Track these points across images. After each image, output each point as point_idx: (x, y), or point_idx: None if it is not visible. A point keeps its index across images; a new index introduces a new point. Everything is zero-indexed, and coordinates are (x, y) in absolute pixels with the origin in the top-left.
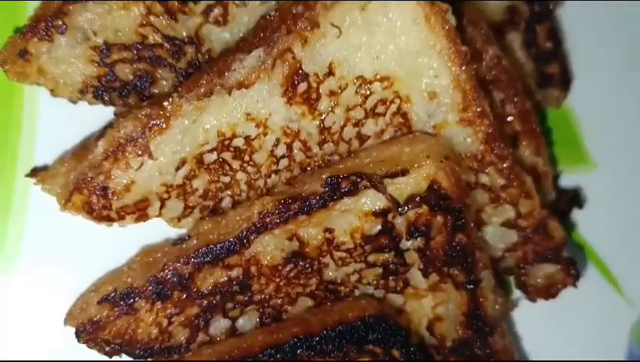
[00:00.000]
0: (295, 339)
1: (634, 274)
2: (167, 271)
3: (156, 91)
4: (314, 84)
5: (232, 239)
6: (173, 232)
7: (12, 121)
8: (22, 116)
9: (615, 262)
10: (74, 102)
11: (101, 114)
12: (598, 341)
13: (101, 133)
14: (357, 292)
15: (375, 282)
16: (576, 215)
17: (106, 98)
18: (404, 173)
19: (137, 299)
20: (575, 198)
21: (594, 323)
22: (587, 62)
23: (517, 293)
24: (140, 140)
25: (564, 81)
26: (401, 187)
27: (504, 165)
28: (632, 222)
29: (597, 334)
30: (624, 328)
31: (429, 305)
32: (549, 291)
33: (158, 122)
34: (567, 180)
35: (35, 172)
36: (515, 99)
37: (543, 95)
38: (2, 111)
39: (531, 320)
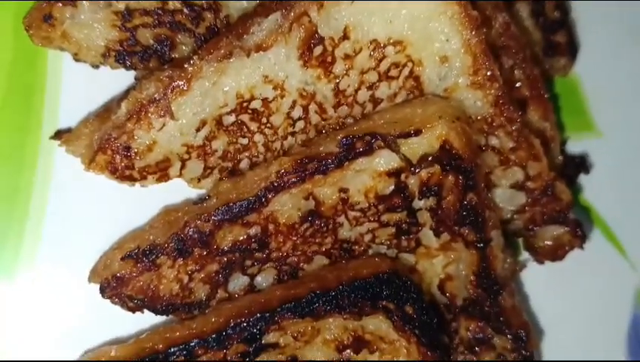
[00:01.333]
0: (312, 294)
1: (639, 239)
2: (188, 228)
3: (176, 56)
4: (329, 48)
5: (250, 198)
6: (193, 193)
7: (36, 86)
8: (46, 80)
9: (620, 227)
10: (96, 66)
11: (122, 78)
12: (604, 304)
13: (124, 95)
14: (370, 252)
15: (388, 241)
16: (583, 181)
17: (128, 62)
18: (417, 133)
19: (160, 255)
20: (581, 164)
21: (599, 286)
22: (593, 31)
23: (525, 255)
24: (161, 101)
25: (571, 49)
26: (414, 147)
27: (513, 127)
28: (638, 189)
29: (602, 298)
30: (629, 292)
31: (440, 264)
32: (556, 253)
33: (180, 83)
34: (573, 148)
35: (59, 134)
36: (524, 65)
37: (550, 63)
38: (27, 76)
39: (538, 282)
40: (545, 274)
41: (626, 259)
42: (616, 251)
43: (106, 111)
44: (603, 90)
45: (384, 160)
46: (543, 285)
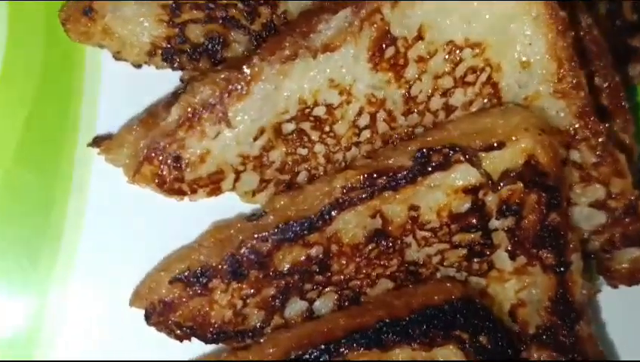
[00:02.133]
0: (381, 323)
1: None
2: (244, 248)
3: (228, 55)
4: (402, 49)
5: (312, 215)
6: (245, 208)
7: (73, 87)
8: (83, 82)
9: None
10: (138, 66)
11: (167, 79)
12: None
13: (173, 99)
14: (438, 275)
15: (458, 264)
16: None
17: (176, 61)
18: (500, 146)
19: (212, 278)
20: None
21: None
22: None
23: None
24: (217, 106)
25: None
26: (496, 161)
27: (598, 141)
28: None
29: None
30: None
31: (513, 288)
32: (633, 277)
33: (238, 87)
34: None
35: (97, 141)
36: (605, 72)
37: (625, 70)
38: (63, 76)
39: (611, 308)
40: (619, 300)
41: None
42: None
43: (151, 116)
44: None
45: (461, 175)
46: (617, 311)
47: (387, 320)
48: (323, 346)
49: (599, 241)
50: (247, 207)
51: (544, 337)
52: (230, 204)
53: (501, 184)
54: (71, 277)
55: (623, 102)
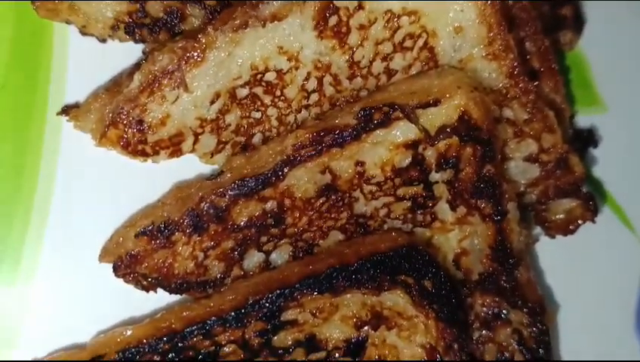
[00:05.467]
0: (331, 269)
1: None
2: (204, 203)
3: (185, 28)
4: (344, 18)
5: (266, 172)
6: (204, 169)
7: (42, 61)
8: (52, 56)
9: (627, 202)
10: (103, 40)
11: (130, 52)
12: (613, 278)
13: (136, 67)
14: (385, 227)
15: (403, 216)
16: (589, 156)
17: (137, 34)
18: (435, 103)
19: (175, 231)
20: (590, 138)
21: (608, 259)
22: (599, 5)
23: (536, 229)
24: (176, 73)
25: (577, 23)
26: (432, 118)
27: (528, 99)
28: None
29: (611, 273)
30: (637, 265)
31: (456, 238)
32: (567, 227)
33: (194, 54)
34: (579, 122)
35: (66, 109)
36: (535, 37)
37: (556, 37)
38: (31, 51)
39: (549, 257)
40: (556, 249)
41: (634, 234)
42: (624, 226)
43: (115, 85)
44: (608, 65)
45: (401, 131)
46: (554, 260)
47: (337, 267)
48: (278, 291)
49: (535, 194)
50: (207, 168)
51: (486, 283)
52: (190, 165)
53: (438, 138)
54: (44, 236)
55: (553, 64)
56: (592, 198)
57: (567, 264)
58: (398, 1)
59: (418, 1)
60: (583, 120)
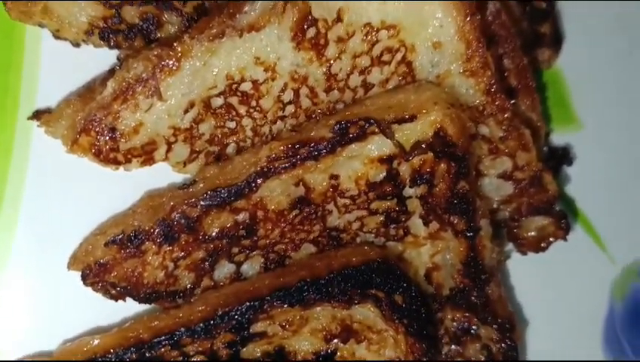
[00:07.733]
0: (302, 282)
1: (616, 231)
2: (175, 213)
3: (162, 35)
4: (322, 30)
5: (239, 183)
6: (177, 178)
7: (13, 64)
8: (23, 59)
9: (599, 220)
10: (77, 45)
11: (104, 57)
12: (583, 295)
13: (109, 74)
14: (358, 240)
15: (376, 230)
16: (563, 173)
17: (112, 40)
18: (411, 118)
19: (145, 240)
20: (564, 156)
21: (578, 277)
22: (577, 23)
23: (508, 246)
24: (150, 81)
25: (556, 41)
26: (408, 133)
27: (504, 116)
28: (617, 182)
29: (580, 291)
30: (606, 284)
31: (428, 253)
32: (539, 244)
33: (170, 63)
34: (554, 140)
35: (38, 114)
36: (513, 54)
37: (534, 55)
38: (3, 53)
39: (520, 274)
40: (527, 266)
41: (605, 252)
42: (595, 244)
43: (88, 91)
44: (586, 83)
45: (376, 146)
46: (525, 276)
47: (308, 279)
48: (248, 303)
49: (508, 211)
50: (179, 177)
51: (457, 298)
52: (163, 174)
53: (413, 154)
54: (12, 243)
55: (531, 82)
56: (564, 216)
57: (538, 281)
58: (377, 15)
59: (398, 16)
60: (558, 137)
